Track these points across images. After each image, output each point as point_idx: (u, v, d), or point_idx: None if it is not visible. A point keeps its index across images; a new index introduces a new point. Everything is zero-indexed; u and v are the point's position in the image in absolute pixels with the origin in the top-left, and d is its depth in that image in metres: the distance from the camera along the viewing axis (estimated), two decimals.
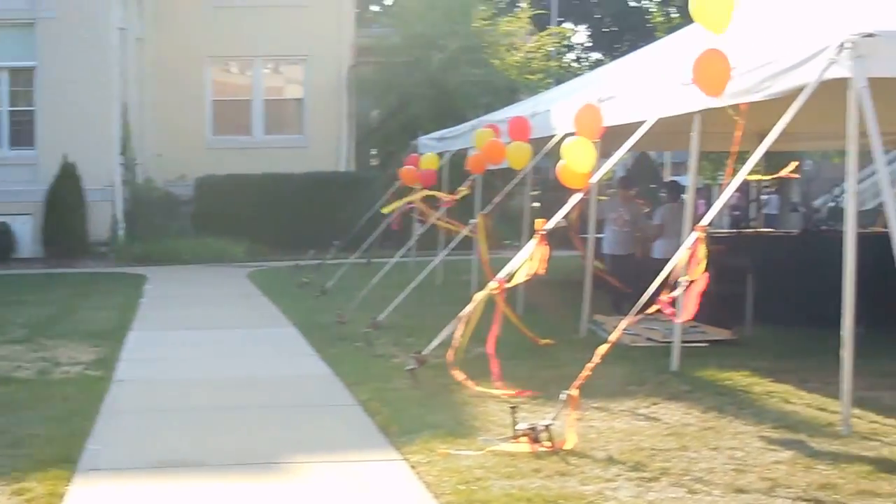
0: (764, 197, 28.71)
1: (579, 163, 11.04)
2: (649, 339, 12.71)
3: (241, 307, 17.71)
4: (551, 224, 10.36)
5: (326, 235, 24.35)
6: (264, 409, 9.89)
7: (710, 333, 12.82)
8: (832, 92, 8.61)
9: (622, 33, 43.98)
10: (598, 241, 15.23)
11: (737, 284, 13.14)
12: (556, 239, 10.47)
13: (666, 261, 8.60)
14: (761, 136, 8.97)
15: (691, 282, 8.42)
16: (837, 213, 18.21)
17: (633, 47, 23.76)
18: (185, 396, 10.45)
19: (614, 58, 27.25)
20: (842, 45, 8.43)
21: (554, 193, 18.09)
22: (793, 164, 13.04)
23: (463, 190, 16.22)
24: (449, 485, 7.21)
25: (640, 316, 8.75)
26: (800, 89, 8.78)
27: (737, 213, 28.79)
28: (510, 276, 10.23)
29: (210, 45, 30.45)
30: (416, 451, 8.03)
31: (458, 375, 9.99)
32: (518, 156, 14.55)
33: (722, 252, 12.25)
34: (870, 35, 8.36)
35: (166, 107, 29.96)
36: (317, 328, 14.43)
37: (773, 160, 19.50)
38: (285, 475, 7.69)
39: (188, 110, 30.47)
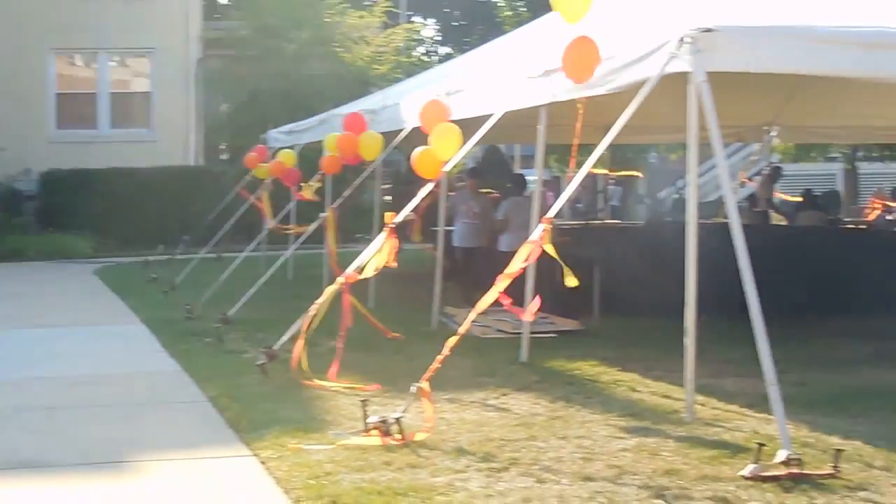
0: (599, 190, 29.15)
1: (444, 149, 11.02)
2: (500, 330, 12.83)
3: (88, 304, 17.37)
4: (400, 217, 10.38)
5: (175, 230, 24.03)
6: (110, 408, 9.71)
7: (559, 324, 13.00)
8: (675, 85, 8.78)
9: (471, 27, 44.23)
10: (449, 233, 15.32)
11: (584, 275, 13.30)
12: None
13: (512, 253, 8.67)
14: (608, 129, 9.11)
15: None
16: (681, 205, 18.62)
17: (483, 41, 23.91)
18: (28, 395, 10.20)
19: (464, 52, 27.38)
20: (682, 39, 8.60)
21: (405, 187, 18.11)
22: (637, 171, 13.35)
23: (313, 184, 16.13)
24: (299, 479, 7.17)
25: (489, 308, 8.81)
26: (642, 83, 8.93)
27: (578, 205, 29.17)
28: (360, 269, 10.22)
29: (53, 38, 29.73)
30: (266, 447, 7.97)
31: (301, 371, 9.98)
32: (370, 145, 14.51)
33: (569, 244, 12.43)
34: (708, 30, 8.55)
35: (8, 100, 29.15)
36: (166, 324, 14.22)
37: (619, 153, 19.92)
38: (132, 474, 7.56)
39: (31, 104, 29.70)
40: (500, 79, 12.45)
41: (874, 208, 23.17)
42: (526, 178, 16.49)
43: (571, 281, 8.69)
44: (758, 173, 24.76)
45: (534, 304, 8.66)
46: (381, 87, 24.89)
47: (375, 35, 32.56)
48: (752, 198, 22.78)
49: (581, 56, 9.53)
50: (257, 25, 30.65)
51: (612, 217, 27.04)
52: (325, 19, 31.19)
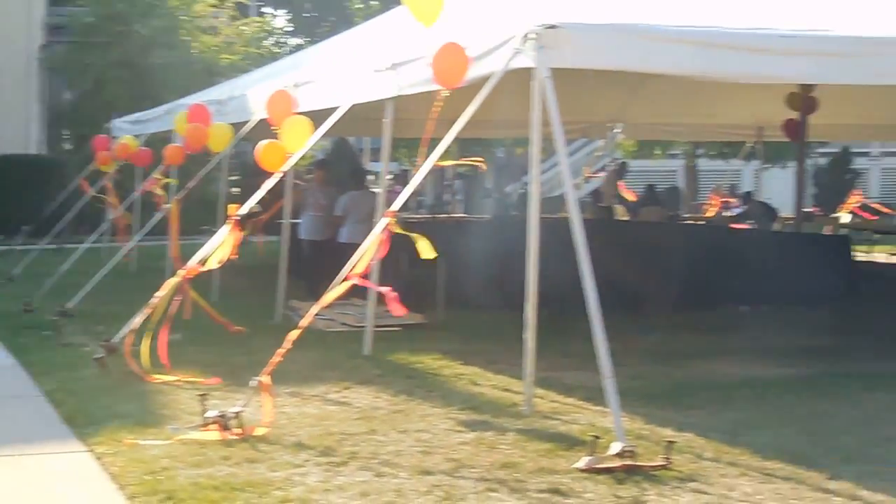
0: (446, 183, 29.27)
1: (292, 141, 10.92)
2: (344, 323, 12.80)
3: None
4: (245, 209, 10.29)
5: (15, 220, 23.41)
6: None
7: (403, 317, 13.00)
8: (521, 81, 8.87)
9: (322, 19, 44.02)
10: (295, 226, 15.25)
11: (429, 269, 13.36)
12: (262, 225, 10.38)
13: (352, 245, 8.66)
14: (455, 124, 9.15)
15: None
16: (527, 200, 18.86)
17: (333, 33, 23.83)
18: None
19: (314, 43, 27.24)
20: (526, 35, 8.68)
21: (253, 179, 17.94)
22: (479, 159, 13.39)
23: (160, 178, 15.86)
24: (134, 475, 7.05)
25: (334, 301, 8.79)
26: (487, 78, 8.99)
27: (421, 198, 29.30)
28: (203, 262, 10.11)
29: None
30: (101, 442, 7.82)
31: (133, 364, 9.86)
32: (220, 136, 14.32)
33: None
34: (552, 27, 8.64)
35: None
36: (2, 317, 13.85)
37: (466, 148, 19.98)
38: None
39: None
40: (348, 71, 12.43)
41: (713, 205, 23.74)
42: (367, 171, 16.47)
43: (428, 252, 8.68)
44: (602, 169, 25.20)
45: (392, 296, 8.62)
46: (229, 78, 24.62)
47: (225, 25, 32.19)
48: (596, 193, 23.16)
49: (450, 63, 9.54)
50: (103, 12, 30.04)
51: (458, 211, 27.19)
52: (172, 6, 30.70)
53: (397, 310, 8.53)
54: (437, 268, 13.52)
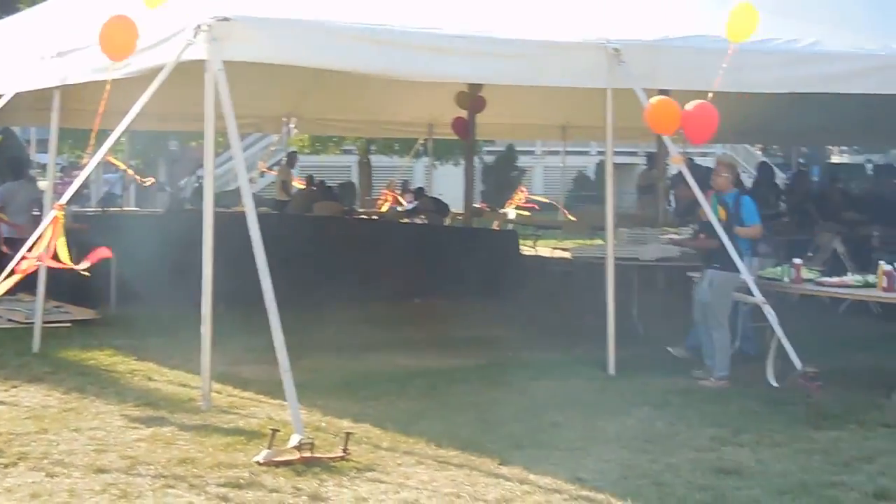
0: (108, 176, 28.49)
1: None
2: (10, 320, 12.30)
3: None
4: None
5: None
6: None
7: (74, 313, 12.63)
8: (195, 73, 8.76)
9: None
10: None
11: (101, 264, 12.99)
12: None
13: (9, 239, 8.33)
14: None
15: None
16: (202, 194, 18.64)
17: None
18: None
19: None
20: (198, 27, 8.58)
21: None
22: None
23: None
24: None
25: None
26: (160, 69, 8.84)
27: (86, 190, 28.35)
28: None
29: None
30: None
31: None
32: None
33: (85, 231, 12.12)
34: (225, 19, 8.58)
35: None
36: None
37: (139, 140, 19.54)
38: None
39: None
40: (12, 59, 11.93)
41: (386, 200, 24.12)
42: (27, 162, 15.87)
43: (65, 254, 8.45)
44: (277, 163, 25.15)
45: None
46: None
47: None
48: (285, 185, 23.14)
49: (118, 33, 9.24)
50: None
51: (130, 205, 26.53)
52: None
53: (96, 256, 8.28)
54: (110, 262, 13.16)
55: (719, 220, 10.03)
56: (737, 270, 9.96)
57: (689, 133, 10.08)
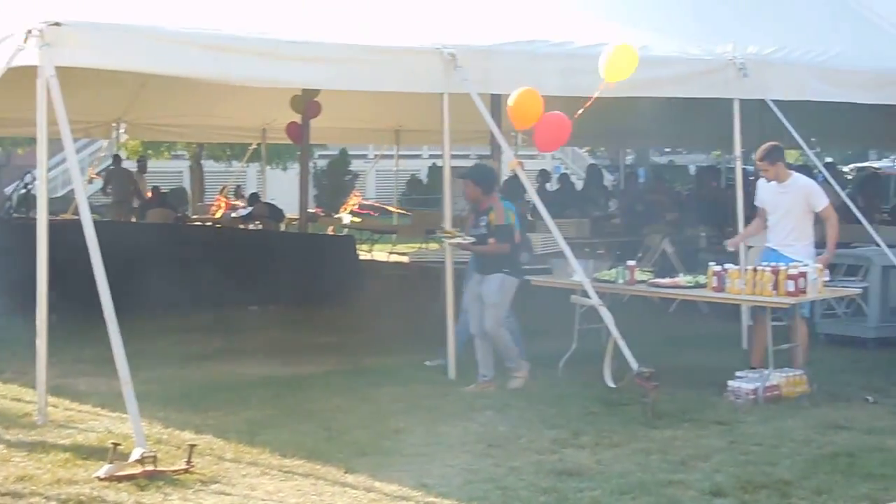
0: None
1: None
2: None
3: None
4: None
5: None
6: None
7: None
8: (26, 78, 8.56)
9: None
10: None
11: None
12: None
13: None
14: None
15: None
16: (30, 200, 18.16)
17: None
18: None
19: None
20: (29, 31, 8.40)
21: None
22: None
23: None
24: None
25: None
26: None
27: None
28: None
29: None
30: None
31: None
32: None
33: None
34: (57, 24, 8.42)
35: None
36: None
37: None
38: None
39: None
40: None
41: (219, 206, 23.87)
42: None
43: None
44: (104, 169, 24.68)
45: None
46: None
47: None
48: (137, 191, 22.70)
49: None
50: None
51: None
52: None
53: None
54: None
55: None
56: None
57: (539, 141, 10.26)
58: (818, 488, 7.08)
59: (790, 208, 10.36)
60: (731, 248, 11.21)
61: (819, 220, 10.39)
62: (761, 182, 10.56)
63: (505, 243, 10.12)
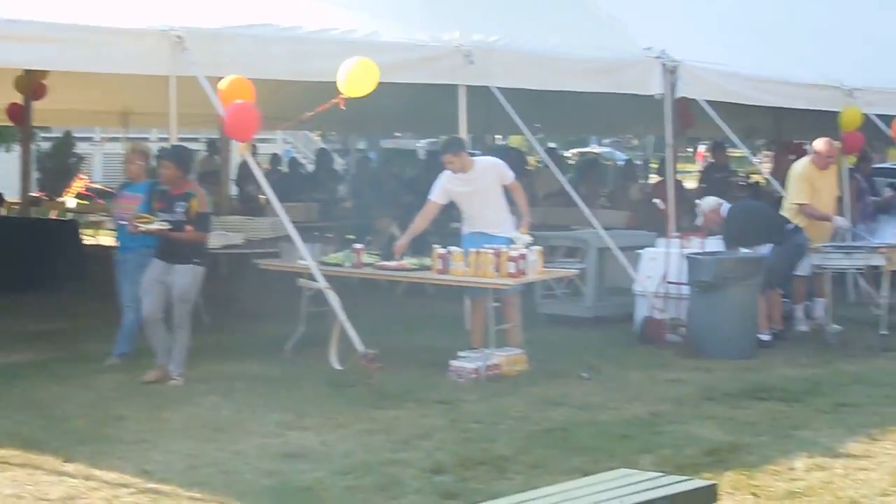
0: None
1: None
2: None
3: None
4: None
5: None
6: None
7: None
8: None
9: None
10: None
11: None
12: None
13: None
14: None
15: None
16: None
17: None
18: None
19: None
20: None
21: None
22: None
23: None
24: None
25: None
26: None
27: None
28: None
29: None
30: None
31: None
32: None
33: None
34: None
35: None
36: None
37: None
38: None
39: None
40: None
41: None
42: None
43: None
44: None
45: None
46: None
47: None
48: None
49: None
50: None
51: None
52: None
53: None
54: None
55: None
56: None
57: (231, 132, 10.20)
58: (534, 462, 7.35)
59: (486, 191, 10.69)
60: (397, 256, 10.78)
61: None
62: (445, 177, 10.79)
63: (204, 232, 10.01)
